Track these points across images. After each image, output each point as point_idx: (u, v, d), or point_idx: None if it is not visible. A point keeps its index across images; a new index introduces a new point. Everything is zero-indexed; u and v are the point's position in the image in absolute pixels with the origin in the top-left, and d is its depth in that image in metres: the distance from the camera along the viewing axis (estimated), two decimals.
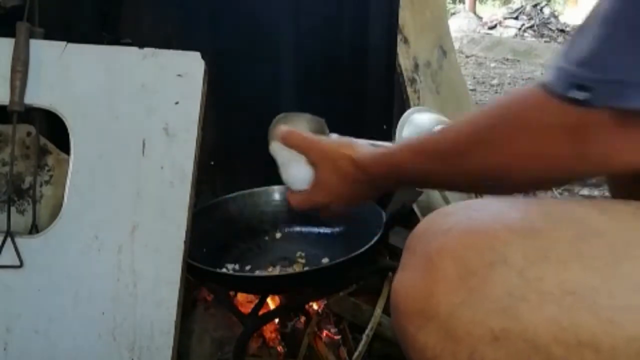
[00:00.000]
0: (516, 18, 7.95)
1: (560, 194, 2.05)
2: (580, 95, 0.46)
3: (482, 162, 0.57)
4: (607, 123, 0.46)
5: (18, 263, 0.84)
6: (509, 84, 4.74)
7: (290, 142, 0.81)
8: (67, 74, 0.87)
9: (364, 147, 0.77)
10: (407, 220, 1.42)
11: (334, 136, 0.84)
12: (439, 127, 0.72)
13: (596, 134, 0.48)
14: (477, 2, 9.24)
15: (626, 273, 0.44)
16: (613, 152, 0.48)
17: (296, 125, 0.86)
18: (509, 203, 0.51)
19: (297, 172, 0.82)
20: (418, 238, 0.52)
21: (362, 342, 0.99)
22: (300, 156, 0.81)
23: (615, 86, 0.45)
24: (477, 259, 0.46)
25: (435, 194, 1.26)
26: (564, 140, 0.49)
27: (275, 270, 1.02)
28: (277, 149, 0.84)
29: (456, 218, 0.50)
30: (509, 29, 7.75)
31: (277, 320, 1.03)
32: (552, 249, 0.45)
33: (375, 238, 0.93)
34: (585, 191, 2.00)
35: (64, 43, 0.88)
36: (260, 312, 0.92)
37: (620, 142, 0.48)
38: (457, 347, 0.45)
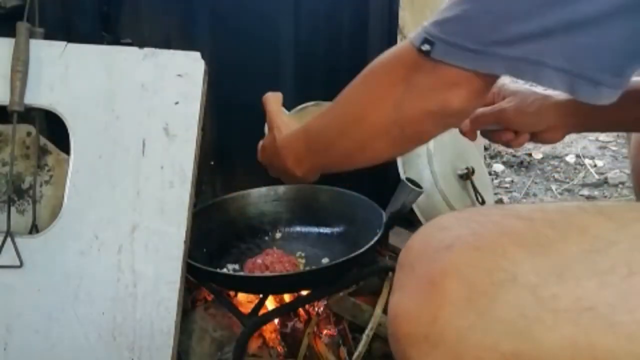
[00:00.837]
0: None
1: (561, 194, 2.05)
2: (426, 47, 0.54)
3: (345, 111, 0.65)
4: (437, 71, 0.54)
5: (18, 263, 0.84)
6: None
7: (265, 107, 0.85)
8: (67, 74, 0.87)
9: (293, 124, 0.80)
10: (407, 220, 1.43)
11: None
12: None
13: (426, 78, 0.55)
14: None
15: None
16: (434, 96, 0.56)
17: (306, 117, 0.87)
18: (512, 212, 0.49)
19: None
20: (415, 256, 0.48)
21: (362, 342, 0.99)
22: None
23: (451, 47, 0.52)
24: (484, 278, 0.43)
25: (435, 195, 1.26)
26: (402, 82, 0.57)
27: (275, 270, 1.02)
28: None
29: (457, 232, 0.47)
30: None
31: (277, 320, 1.03)
32: (565, 264, 0.43)
33: (375, 238, 0.93)
34: (585, 191, 2.00)
35: (64, 43, 0.88)
36: (260, 312, 0.92)
37: (443, 88, 0.55)
38: None
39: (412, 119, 0.59)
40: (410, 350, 0.45)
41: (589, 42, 0.47)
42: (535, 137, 0.81)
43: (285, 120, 0.80)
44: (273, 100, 0.83)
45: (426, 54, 0.54)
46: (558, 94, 0.76)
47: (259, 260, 1.01)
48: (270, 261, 1.00)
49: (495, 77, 0.56)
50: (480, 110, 0.80)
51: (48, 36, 0.90)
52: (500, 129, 0.81)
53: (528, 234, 0.46)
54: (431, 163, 1.26)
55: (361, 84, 0.64)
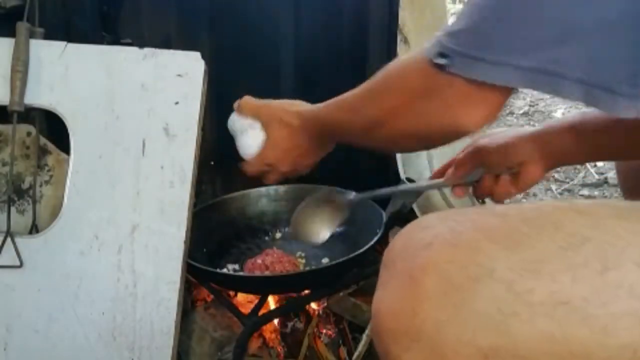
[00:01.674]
0: None
1: (561, 194, 2.05)
2: (441, 61, 0.53)
3: (367, 113, 0.65)
4: (453, 86, 0.54)
5: (18, 263, 0.84)
6: None
7: (244, 109, 0.86)
8: (67, 74, 0.87)
9: (308, 104, 0.82)
10: (407, 220, 1.43)
11: (352, 194, 0.90)
12: None
13: (442, 93, 0.56)
14: None
15: (616, 280, 0.43)
16: (451, 112, 0.56)
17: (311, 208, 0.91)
18: (488, 210, 0.51)
19: (250, 138, 0.85)
20: (397, 254, 0.50)
21: (362, 342, 0.99)
22: (255, 123, 0.85)
23: (467, 59, 0.52)
24: (461, 273, 0.44)
25: (435, 195, 1.26)
26: (419, 96, 0.58)
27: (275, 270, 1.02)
28: (234, 120, 0.88)
29: (436, 231, 0.48)
30: None
31: (277, 320, 1.03)
32: (540, 259, 0.44)
33: (375, 238, 0.93)
34: (585, 191, 2.00)
35: (64, 43, 0.88)
36: (260, 312, 0.92)
37: (459, 105, 0.55)
38: None
39: (430, 130, 0.61)
40: (392, 346, 0.46)
41: (602, 51, 0.47)
42: (517, 180, 0.77)
43: (295, 101, 0.84)
44: (246, 98, 0.87)
45: (442, 67, 0.54)
46: (533, 129, 0.77)
47: (259, 260, 1.01)
48: (270, 261, 1.00)
49: (510, 91, 0.56)
50: (459, 155, 0.83)
51: (48, 36, 0.90)
52: (481, 176, 0.80)
53: (503, 230, 0.47)
54: (431, 163, 1.26)
55: (381, 90, 0.65)
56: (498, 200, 0.80)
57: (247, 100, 0.87)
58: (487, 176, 0.79)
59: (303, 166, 0.87)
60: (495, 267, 0.44)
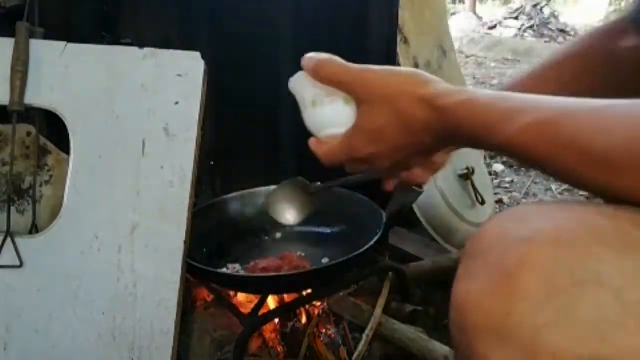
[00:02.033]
0: (516, 18, 7.95)
1: (561, 194, 2.05)
2: None
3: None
4: None
5: (18, 263, 0.84)
6: None
7: (325, 74, 0.62)
8: (67, 74, 0.87)
9: (439, 82, 0.57)
10: (407, 220, 1.43)
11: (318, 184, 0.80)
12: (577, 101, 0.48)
13: None
14: (477, 2, 9.24)
15: None
16: None
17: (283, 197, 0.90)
18: (595, 209, 0.45)
19: (330, 112, 0.63)
20: (489, 245, 0.45)
21: (362, 342, 0.99)
22: (336, 93, 0.62)
23: None
24: (566, 276, 0.40)
25: (435, 195, 1.26)
26: None
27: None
28: (302, 85, 0.65)
29: (537, 225, 0.43)
30: (509, 29, 7.76)
31: (277, 320, 1.03)
32: None
33: (375, 238, 0.93)
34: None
35: (64, 43, 0.88)
36: (260, 312, 0.92)
37: None
38: None
39: None
40: (478, 342, 0.42)
41: None
42: (426, 163, 0.66)
43: (411, 71, 0.59)
44: (327, 58, 0.63)
45: None
46: None
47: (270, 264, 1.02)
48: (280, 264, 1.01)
49: None
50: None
51: (48, 36, 0.90)
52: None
53: (614, 233, 0.42)
54: None
55: None
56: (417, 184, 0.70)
57: (331, 62, 0.62)
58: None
59: (408, 164, 0.65)
60: (604, 273, 0.40)
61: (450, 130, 0.55)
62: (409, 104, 0.56)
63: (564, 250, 0.41)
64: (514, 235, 0.43)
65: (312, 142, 0.66)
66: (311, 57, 0.64)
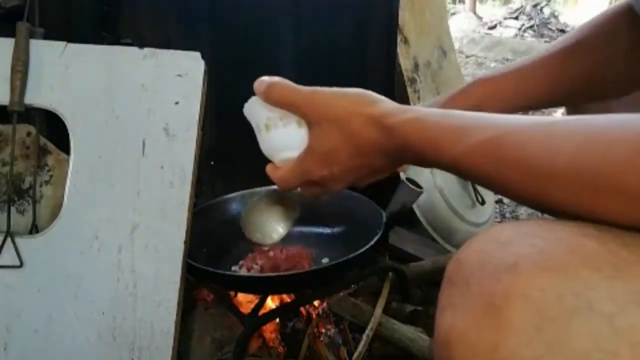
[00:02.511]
0: (516, 18, 7.95)
1: None
2: None
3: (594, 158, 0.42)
4: None
5: (18, 263, 0.84)
6: None
7: (275, 98, 0.62)
8: (67, 74, 0.87)
9: (387, 102, 0.57)
10: (407, 220, 1.43)
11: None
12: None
13: None
14: (477, 2, 9.23)
15: None
16: None
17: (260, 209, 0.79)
18: (578, 229, 0.42)
19: (284, 135, 0.62)
20: (472, 272, 0.42)
21: (362, 342, 0.99)
22: (289, 116, 0.62)
23: None
24: (555, 303, 0.38)
25: (435, 195, 1.26)
26: None
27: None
28: (255, 109, 0.65)
29: (520, 250, 0.41)
30: (509, 29, 7.75)
31: (277, 320, 1.03)
32: None
33: (375, 238, 0.93)
34: None
35: (64, 43, 0.88)
36: (260, 312, 0.92)
37: None
38: None
39: None
40: None
41: None
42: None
43: (360, 92, 0.59)
44: (277, 81, 0.63)
45: None
46: None
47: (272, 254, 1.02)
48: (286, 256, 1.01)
49: None
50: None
51: (48, 36, 0.90)
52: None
53: (601, 255, 0.40)
54: None
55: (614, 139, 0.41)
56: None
57: (281, 85, 0.63)
58: None
59: (363, 184, 0.64)
60: (595, 298, 0.37)
61: (399, 149, 0.54)
62: (358, 125, 0.56)
63: (551, 277, 0.39)
64: (497, 262, 0.41)
65: (268, 168, 0.66)
66: (262, 80, 0.64)
